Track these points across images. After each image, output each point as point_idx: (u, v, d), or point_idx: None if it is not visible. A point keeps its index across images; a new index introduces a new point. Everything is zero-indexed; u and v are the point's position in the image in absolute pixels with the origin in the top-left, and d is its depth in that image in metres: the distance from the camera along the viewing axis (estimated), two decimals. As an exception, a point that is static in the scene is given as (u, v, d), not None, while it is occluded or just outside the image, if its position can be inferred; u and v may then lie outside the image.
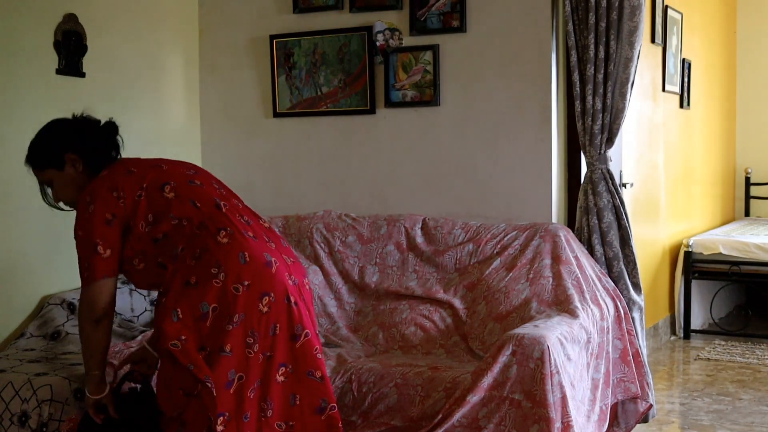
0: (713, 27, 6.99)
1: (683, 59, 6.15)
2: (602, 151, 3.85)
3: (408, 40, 4.18)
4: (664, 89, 5.82)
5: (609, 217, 3.85)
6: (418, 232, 3.96)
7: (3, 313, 3.56)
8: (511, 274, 3.65)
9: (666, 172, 5.93)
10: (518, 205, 4.01)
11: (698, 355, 5.49)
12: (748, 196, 7.52)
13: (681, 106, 6.23)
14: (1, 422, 2.99)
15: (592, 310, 3.46)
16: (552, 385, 2.91)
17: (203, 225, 2.64)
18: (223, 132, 4.67)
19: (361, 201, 4.34)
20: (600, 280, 3.71)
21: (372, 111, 4.28)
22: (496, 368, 2.96)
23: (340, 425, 2.71)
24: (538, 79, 3.95)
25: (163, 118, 4.46)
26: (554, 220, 3.98)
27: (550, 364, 2.92)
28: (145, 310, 3.87)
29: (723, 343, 5.79)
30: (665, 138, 5.91)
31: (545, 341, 2.96)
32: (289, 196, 4.52)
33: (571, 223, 4.02)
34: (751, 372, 5.09)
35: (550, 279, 3.57)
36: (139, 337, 3.50)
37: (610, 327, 3.57)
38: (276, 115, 4.51)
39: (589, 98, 3.81)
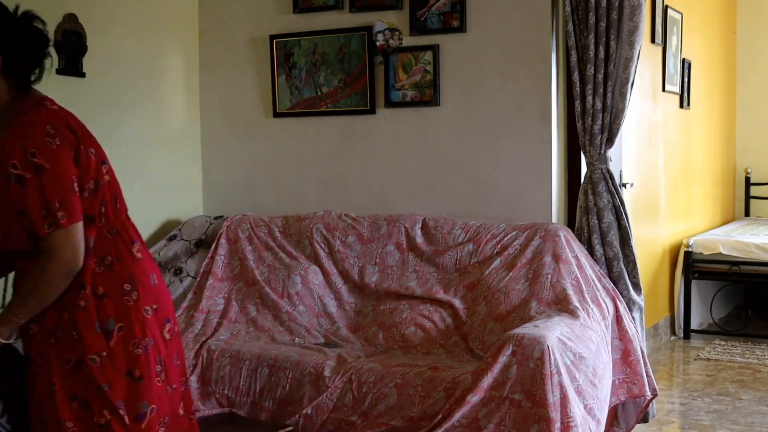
0: (713, 27, 6.99)
1: (683, 59, 6.15)
2: (602, 151, 3.85)
3: (408, 40, 4.18)
4: (664, 89, 5.82)
5: (609, 217, 3.85)
6: (418, 232, 3.96)
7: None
8: (511, 274, 3.65)
9: (666, 172, 5.93)
10: (518, 205, 4.00)
11: (698, 355, 5.49)
12: (748, 196, 7.52)
13: (681, 106, 6.23)
14: None
15: (592, 309, 3.46)
16: (552, 385, 2.91)
17: (117, 230, 2.35)
18: (223, 132, 4.67)
19: (361, 201, 4.34)
20: (600, 280, 3.71)
21: (372, 111, 4.28)
22: (496, 368, 2.96)
23: None
24: (538, 79, 3.95)
25: (163, 118, 4.46)
26: (554, 220, 3.98)
27: (550, 364, 2.92)
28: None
29: (723, 343, 5.79)
30: (665, 138, 5.91)
31: (545, 341, 2.96)
32: (289, 196, 4.53)
33: (571, 223, 4.02)
34: (751, 372, 5.09)
35: (550, 279, 3.56)
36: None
37: (610, 327, 3.57)
38: (276, 115, 4.51)
39: (589, 98, 3.81)
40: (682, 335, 6.01)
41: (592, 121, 3.82)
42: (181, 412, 2.42)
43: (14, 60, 2.29)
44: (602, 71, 3.78)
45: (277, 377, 3.43)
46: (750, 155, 7.56)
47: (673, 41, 5.89)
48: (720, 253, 5.94)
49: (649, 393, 3.64)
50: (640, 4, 3.73)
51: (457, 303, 3.70)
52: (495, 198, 4.06)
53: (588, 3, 3.77)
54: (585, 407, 3.07)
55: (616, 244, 3.85)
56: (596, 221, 3.85)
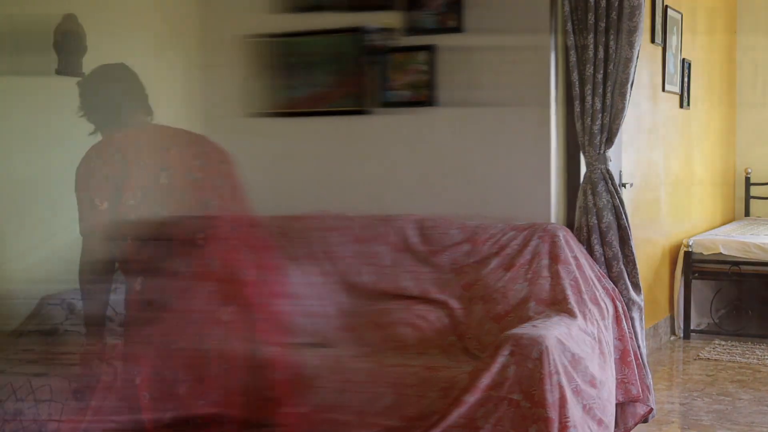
0: (713, 27, 6.98)
1: (683, 59, 6.15)
2: (601, 151, 3.85)
3: (403, 40, 4.18)
4: (664, 89, 5.82)
5: (608, 217, 3.85)
6: (414, 232, 3.94)
7: (2, 313, 3.56)
8: (509, 274, 3.64)
9: (666, 172, 5.93)
10: (517, 205, 4.00)
11: (698, 355, 5.48)
12: (748, 196, 7.51)
13: (681, 106, 6.23)
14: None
15: (591, 310, 3.45)
16: (551, 386, 2.91)
17: None
18: (218, 132, 4.65)
19: (356, 201, 4.32)
20: (599, 280, 3.71)
21: (367, 111, 4.28)
22: (495, 368, 2.96)
23: None
24: (537, 78, 3.95)
25: (163, 118, 4.44)
26: (553, 219, 3.97)
27: (549, 364, 2.92)
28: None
29: (723, 343, 5.78)
30: (665, 138, 5.91)
31: (544, 341, 2.96)
32: (285, 196, 4.51)
33: (570, 223, 4.02)
34: (751, 372, 5.09)
35: (549, 279, 3.56)
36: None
37: (609, 327, 3.57)
38: (271, 115, 4.51)
39: (589, 98, 3.81)
40: (682, 335, 6.01)
41: (591, 121, 3.82)
42: None
43: None
44: (602, 71, 3.78)
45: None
46: (750, 155, 7.55)
47: (673, 41, 5.89)
48: (720, 253, 5.93)
49: (650, 403, 3.65)
50: (640, 4, 3.73)
51: (454, 303, 3.68)
52: (493, 198, 4.05)
53: (587, 3, 3.76)
54: (584, 407, 3.07)
55: (616, 244, 3.85)
56: (595, 221, 3.85)
